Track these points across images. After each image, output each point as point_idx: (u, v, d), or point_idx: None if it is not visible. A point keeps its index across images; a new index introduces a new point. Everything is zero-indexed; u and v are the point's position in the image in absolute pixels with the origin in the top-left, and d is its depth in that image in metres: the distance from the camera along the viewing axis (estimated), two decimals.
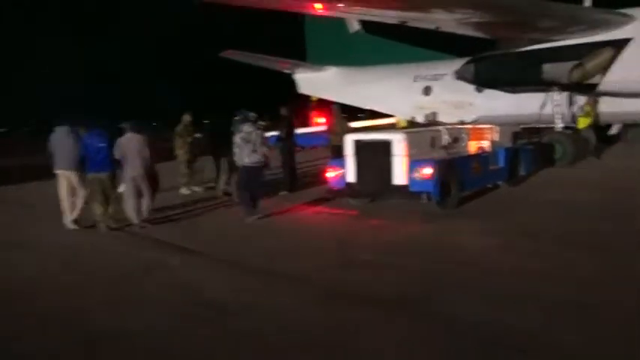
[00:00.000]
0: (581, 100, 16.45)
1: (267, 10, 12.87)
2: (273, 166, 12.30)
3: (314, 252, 8.22)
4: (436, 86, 20.60)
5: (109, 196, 10.35)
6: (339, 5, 12.38)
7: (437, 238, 8.69)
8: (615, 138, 19.70)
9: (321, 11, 13.44)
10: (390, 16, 13.17)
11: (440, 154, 10.93)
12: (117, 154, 10.33)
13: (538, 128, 17.30)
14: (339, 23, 24.32)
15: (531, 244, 7.92)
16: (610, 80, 14.41)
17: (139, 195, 10.51)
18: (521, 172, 12.85)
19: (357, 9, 12.99)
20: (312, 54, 25.19)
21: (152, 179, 10.79)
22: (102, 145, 10.27)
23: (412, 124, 22.15)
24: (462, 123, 18.77)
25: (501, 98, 18.21)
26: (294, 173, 14.31)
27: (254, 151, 10.56)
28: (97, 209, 10.33)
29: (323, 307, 5.92)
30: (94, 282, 7.26)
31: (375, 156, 10.49)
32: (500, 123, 13.35)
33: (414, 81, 21.19)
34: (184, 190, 14.38)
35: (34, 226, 11.30)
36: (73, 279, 7.47)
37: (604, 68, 14.41)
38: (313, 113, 27.63)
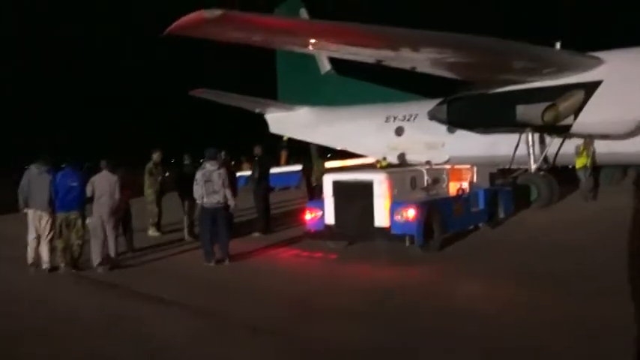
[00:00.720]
0: (554, 141, 16.45)
1: (239, 45, 12.43)
2: (242, 208, 11.68)
3: (287, 298, 7.67)
4: (408, 126, 20.47)
5: (73, 236, 9.95)
6: (312, 41, 12.10)
7: (418, 283, 8.23)
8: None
9: (294, 47, 13.15)
10: (362, 54, 12.97)
11: (420, 195, 10.58)
12: (89, 192, 10.01)
13: (510, 169, 17.21)
14: (311, 63, 24.27)
15: (516, 290, 7.57)
16: (582, 122, 14.46)
17: (104, 236, 10.02)
18: (501, 214, 12.59)
19: (329, 46, 12.74)
20: (283, 93, 24.97)
21: (124, 219, 10.82)
22: (74, 184, 9.92)
23: (387, 164, 22.11)
24: (429, 163, 18.57)
25: (473, 139, 18.14)
26: (268, 214, 13.74)
27: (214, 191, 10.00)
28: (60, 244, 9.93)
29: None
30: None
31: (355, 197, 10.07)
32: (472, 163, 13.15)
33: (386, 121, 21.06)
34: (152, 232, 13.65)
35: None
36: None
37: (576, 110, 14.48)
38: (283, 153, 27.20)
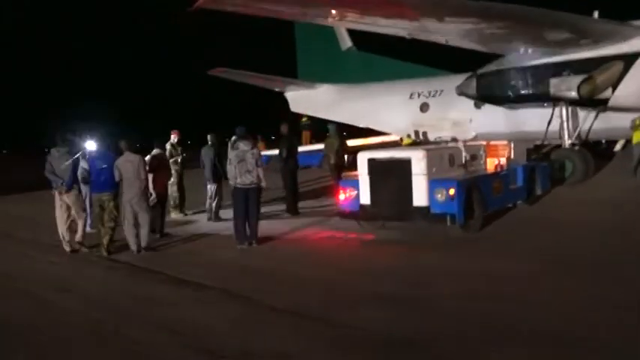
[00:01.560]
0: (588, 115, 15.74)
1: (258, 17, 11.80)
2: (271, 188, 11.22)
3: (327, 283, 7.25)
4: (433, 103, 19.80)
5: (105, 217, 9.77)
6: (332, 12, 11.42)
7: (460, 266, 7.72)
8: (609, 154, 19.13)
9: (316, 18, 12.46)
10: (386, 25, 12.25)
11: (459, 173, 10.08)
12: (116, 176, 9.65)
13: (542, 144, 16.58)
14: (331, 40, 23.58)
15: (562, 275, 7.06)
16: (621, 95, 13.76)
17: (136, 221, 9.71)
18: (538, 191, 12.05)
19: (351, 16, 11.99)
20: (303, 71, 24.33)
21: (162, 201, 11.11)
22: (104, 166, 9.74)
23: (412, 141, 21.57)
24: (455, 140, 18.08)
25: (502, 114, 17.46)
26: (297, 194, 13.32)
27: (247, 171, 9.59)
28: (101, 230, 9.87)
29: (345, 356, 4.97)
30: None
31: (392, 176, 9.58)
32: (500, 139, 12.54)
33: (410, 98, 20.38)
34: (175, 214, 13.29)
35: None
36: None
37: (614, 82, 13.78)
38: (306, 132, 26.65)
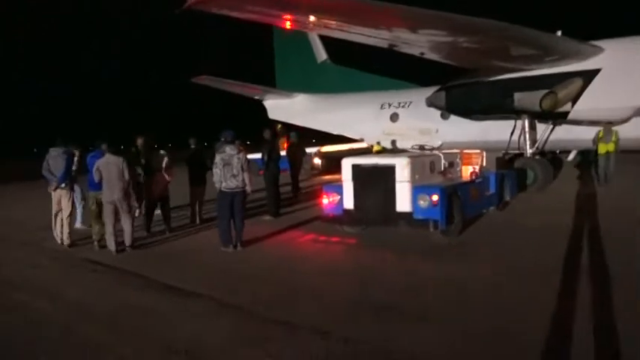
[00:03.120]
0: (547, 127, 15.46)
1: (240, 21, 10.89)
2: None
3: (314, 290, 6.50)
4: (403, 113, 19.41)
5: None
6: (311, 18, 10.63)
7: (447, 273, 7.09)
8: (559, 163, 19.02)
9: (291, 24, 11.58)
10: (366, 34, 11.48)
11: (438, 180, 9.47)
12: (96, 178, 8.98)
13: (505, 154, 16.25)
14: (307, 53, 22.96)
15: (544, 279, 6.49)
16: (580, 109, 13.47)
17: (117, 222, 9.05)
18: (507, 197, 11.55)
19: (330, 23, 11.19)
20: (281, 82, 23.59)
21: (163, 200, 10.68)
22: None
23: (382, 149, 21.05)
24: (422, 148, 17.66)
25: (466, 125, 17.14)
26: (279, 197, 12.52)
27: (233, 175, 8.78)
28: (94, 227, 9.60)
29: None
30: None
31: (376, 181, 8.90)
32: (466, 148, 12.03)
33: (382, 108, 19.93)
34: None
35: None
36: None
37: (574, 97, 13.46)
38: (284, 138, 25.78)
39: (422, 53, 12.61)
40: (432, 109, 17.59)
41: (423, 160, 9.29)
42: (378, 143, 20.53)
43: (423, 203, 8.47)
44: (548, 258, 7.44)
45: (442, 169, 9.76)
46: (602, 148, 14.65)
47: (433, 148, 11.95)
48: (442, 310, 5.59)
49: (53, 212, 10.03)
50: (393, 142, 19.65)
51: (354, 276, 7.13)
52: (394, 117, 19.54)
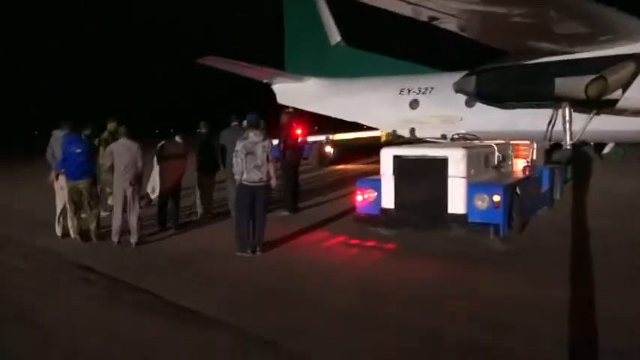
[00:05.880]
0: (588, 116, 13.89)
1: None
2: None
3: (371, 316, 5.00)
4: (423, 99, 17.75)
5: (85, 205, 8.41)
6: None
7: (522, 295, 5.61)
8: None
9: None
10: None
11: (492, 175, 7.96)
12: (108, 162, 8.19)
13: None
14: (320, 34, 21.23)
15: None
16: (632, 96, 11.90)
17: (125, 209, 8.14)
18: (557, 195, 10.07)
19: None
20: (290, 64, 21.88)
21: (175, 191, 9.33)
22: (78, 151, 8.22)
23: (397, 137, 19.51)
24: (444, 137, 16.28)
25: (494, 113, 15.51)
26: (297, 190, 10.99)
27: (256, 166, 7.25)
28: (73, 220, 8.50)
29: None
30: None
31: (423, 176, 7.37)
32: (491, 139, 10.55)
33: (400, 93, 18.27)
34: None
35: None
36: None
37: (625, 83, 11.89)
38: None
39: (462, 30, 10.99)
40: (456, 96, 15.95)
41: (478, 151, 7.75)
42: (394, 131, 19.09)
43: (481, 204, 6.96)
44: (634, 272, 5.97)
45: (495, 162, 8.24)
46: None
47: (475, 137, 10.34)
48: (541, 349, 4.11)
49: (59, 205, 8.70)
50: (412, 131, 18.10)
51: (405, 296, 5.62)
52: (414, 104, 17.90)
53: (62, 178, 8.50)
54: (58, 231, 8.79)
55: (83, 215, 8.47)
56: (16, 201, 13.42)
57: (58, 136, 8.87)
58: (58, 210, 8.77)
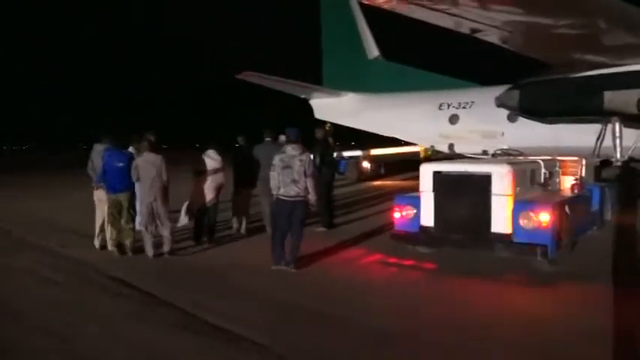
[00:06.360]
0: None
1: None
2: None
3: (407, 337, 4.69)
4: (463, 114, 17.33)
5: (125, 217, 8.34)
6: None
7: (583, 327, 5.20)
8: None
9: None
10: (448, 12, 9.47)
11: (539, 193, 7.54)
12: (134, 177, 8.04)
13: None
14: (357, 49, 21.15)
15: None
16: None
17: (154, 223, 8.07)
18: (607, 215, 9.48)
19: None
20: (328, 79, 21.86)
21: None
22: (120, 165, 8.22)
23: (433, 152, 19.12)
24: (485, 153, 15.83)
25: (537, 128, 14.98)
26: (332, 206, 10.79)
27: (294, 180, 7.08)
28: (112, 232, 8.49)
29: None
30: None
31: (465, 193, 7.05)
32: (534, 155, 10.05)
33: (439, 108, 17.91)
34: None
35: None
36: None
37: None
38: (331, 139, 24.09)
39: (503, 42, 10.64)
40: (498, 111, 15.52)
41: (524, 168, 7.36)
42: (432, 147, 18.72)
43: (527, 223, 6.57)
44: None
45: (542, 180, 7.81)
46: None
47: (519, 153, 9.90)
48: None
49: (98, 218, 8.72)
50: (451, 146, 17.69)
51: (448, 320, 5.29)
52: (453, 119, 17.50)
53: (101, 191, 8.57)
54: (97, 243, 8.84)
55: (123, 227, 8.42)
56: (46, 209, 13.65)
57: (98, 149, 8.88)
58: (98, 223, 8.79)
